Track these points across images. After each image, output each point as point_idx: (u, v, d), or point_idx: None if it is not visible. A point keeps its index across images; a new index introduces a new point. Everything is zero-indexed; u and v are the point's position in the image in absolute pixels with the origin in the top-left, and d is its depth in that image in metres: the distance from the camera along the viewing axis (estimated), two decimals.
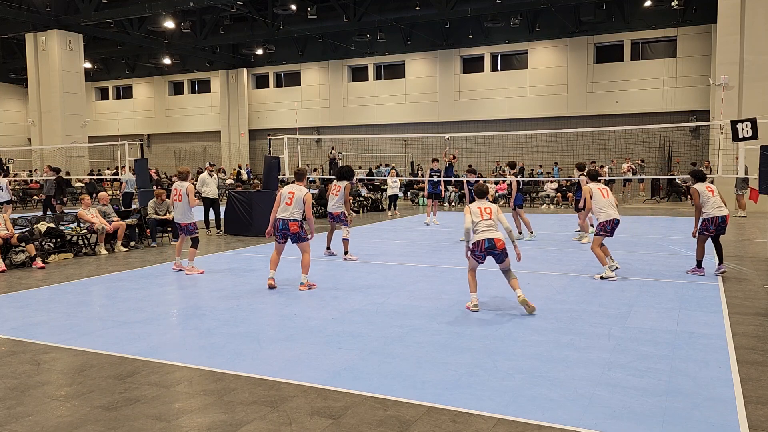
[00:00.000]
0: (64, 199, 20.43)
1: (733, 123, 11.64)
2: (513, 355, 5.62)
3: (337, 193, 11.46)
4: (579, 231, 13.94)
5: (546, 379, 5.00)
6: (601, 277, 9.20)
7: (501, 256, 7.27)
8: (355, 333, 6.40)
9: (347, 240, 11.35)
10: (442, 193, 17.22)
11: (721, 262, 9.47)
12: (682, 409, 4.41)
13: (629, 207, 22.66)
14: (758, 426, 4.16)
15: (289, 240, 8.76)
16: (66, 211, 17.19)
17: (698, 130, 28.62)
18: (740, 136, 11.42)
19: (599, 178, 9.95)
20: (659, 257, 11.10)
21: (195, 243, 10.21)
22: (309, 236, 8.95)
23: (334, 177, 14.12)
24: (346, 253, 11.33)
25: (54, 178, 19.37)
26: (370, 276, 9.59)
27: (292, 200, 8.69)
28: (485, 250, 7.24)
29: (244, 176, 32.97)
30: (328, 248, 11.84)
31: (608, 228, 9.17)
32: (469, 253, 7.41)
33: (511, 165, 14.55)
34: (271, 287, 8.64)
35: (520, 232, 13.69)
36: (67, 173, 29.17)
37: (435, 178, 16.57)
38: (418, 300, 7.88)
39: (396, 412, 4.41)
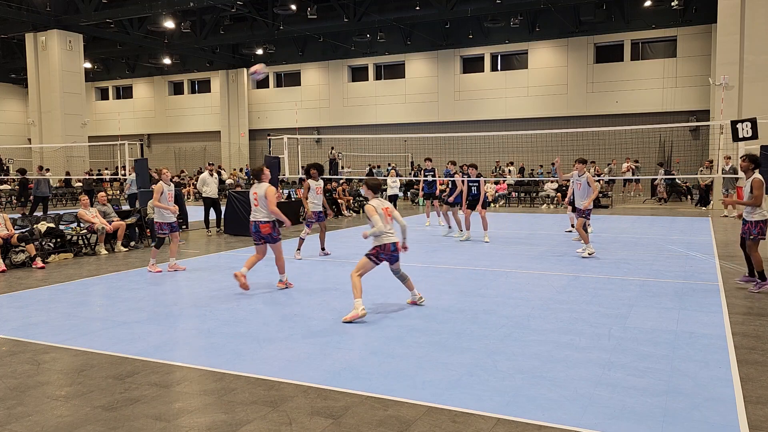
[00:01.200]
0: (23, 200, 20.18)
1: (733, 123, 11.64)
2: (513, 355, 5.62)
3: (319, 192, 11.66)
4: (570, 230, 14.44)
5: (546, 379, 5.00)
6: (589, 254, 11.06)
7: (398, 257, 7.37)
8: (355, 333, 6.40)
9: (302, 239, 11.54)
10: (437, 192, 17.07)
11: (752, 274, 8.49)
12: (682, 409, 4.41)
13: (629, 207, 22.67)
14: (758, 426, 4.16)
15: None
16: (62, 212, 17.15)
17: (698, 130, 28.62)
18: (740, 136, 11.42)
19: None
20: (659, 257, 11.10)
21: (158, 244, 10.37)
22: (279, 236, 8.83)
23: (333, 177, 14.14)
24: (298, 250, 11.53)
25: (43, 178, 19.31)
26: (370, 276, 9.57)
27: (257, 200, 8.68)
28: (390, 254, 7.27)
29: (243, 179, 33.04)
30: (323, 248, 11.87)
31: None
32: (372, 256, 7.26)
33: (474, 166, 14.30)
34: (244, 287, 8.37)
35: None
36: (67, 173, 29.21)
37: (429, 178, 16.43)
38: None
39: (396, 412, 4.41)
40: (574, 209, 13.88)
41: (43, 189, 19.60)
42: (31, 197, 20.03)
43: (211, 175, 15.85)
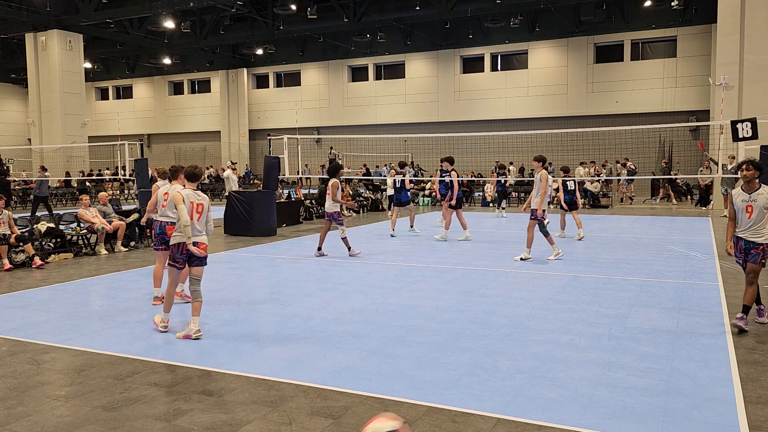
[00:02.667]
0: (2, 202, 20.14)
1: (733, 123, 11.64)
2: (513, 355, 5.62)
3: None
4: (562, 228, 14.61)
5: (546, 379, 5.00)
6: (521, 258, 10.76)
7: (203, 261, 6.45)
8: (355, 333, 6.40)
9: (345, 238, 11.40)
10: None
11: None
12: (682, 409, 4.41)
13: (629, 207, 22.67)
14: (758, 426, 4.16)
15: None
16: (62, 212, 17.15)
17: (698, 130, 28.63)
18: (740, 136, 11.42)
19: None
20: (659, 257, 11.10)
21: None
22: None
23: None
24: (349, 249, 11.46)
25: (45, 178, 19.35)
26: (370, 276, 9.59)
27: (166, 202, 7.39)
28: (186, 253, 6.43)
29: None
30: (319, 249, 11.73)
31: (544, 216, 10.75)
32: (170, 260, 6.54)
33: (450, 160, 14.28)
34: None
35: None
36: (67, 173, 29.20)
37: (447, 179, 16.15)
38: (418, 300, 7.88)
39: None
40: (561, 208, 14.35)
41: (44, 190, 19.64)
42: (31, 197, 20.05)
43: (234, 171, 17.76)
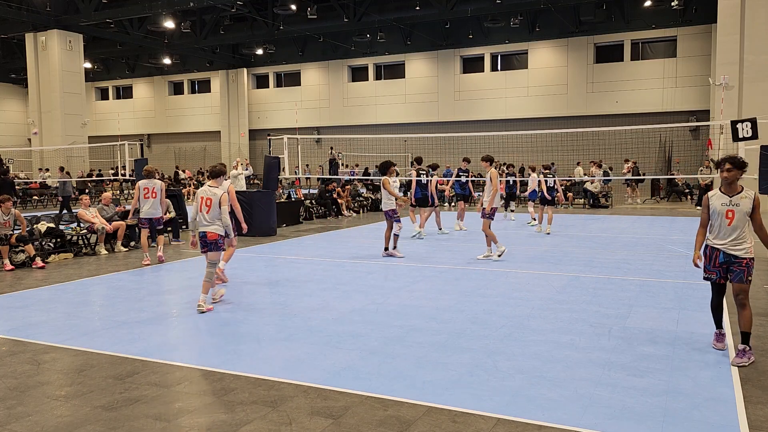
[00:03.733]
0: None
1: (733, 123, 11.64)
2: (513, 355, 5.62)
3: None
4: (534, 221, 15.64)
5: (546, 379, 5.00)
6: (485, 257, 10.82)
7: (211, 247, 7.42)
8: (355, 333, 6.39)
9: (397, 236, 11.36)
10: (472, 193, 16.19)
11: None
12: (682, 409, 4.41)
13: (629, 207, 22.66)
14: (758, 426, 4.15)
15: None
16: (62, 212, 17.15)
17: (698, 130, 28.63)
18: (740, 136, 11.41)
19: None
20: (659, 257, 11.10)
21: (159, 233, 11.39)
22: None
23: (333, 177, 13.99)
24: (392, 248, 11.33)
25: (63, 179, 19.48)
26: (370, 276, 9.59)
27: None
28: (202, 239, 7.50)
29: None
30: (386, 249, 11.46)
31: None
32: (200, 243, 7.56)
33: (418, 160, 14.66)
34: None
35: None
36: (67, 173, 29.18)
37: (463, 179, 15.69)
38: (418, 300, 7.88)
39: (396, 412, 4.41)
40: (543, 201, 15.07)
41: (68, 189, 20.09)
42: (60, 198, 20.95)
43: (246, 169, 18.03)
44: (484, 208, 10.97)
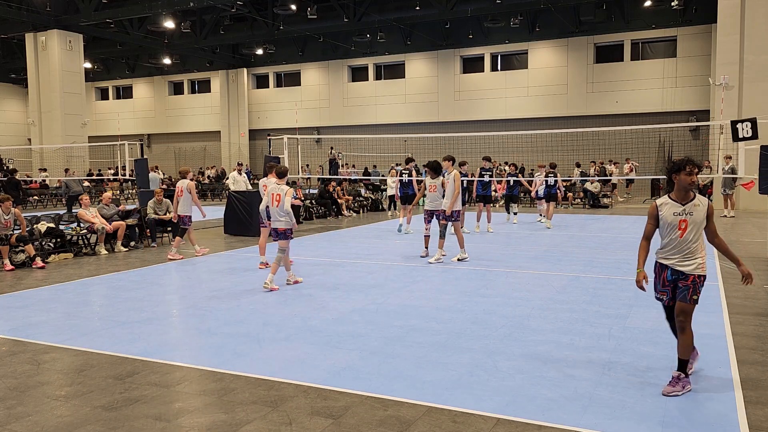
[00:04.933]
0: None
1: (733, 123, 11.64)
2: (513, 355, 5.62)
3: (434, 190, 10.96)
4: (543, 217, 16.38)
5: (546, 379, 5.01)
6: (458, 259, 10.67)
7: (281, 236, 8.68)
8: (355, 333, 6.40)
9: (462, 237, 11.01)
10: (493, 194, 15.66)
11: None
12: (682, 409, 4.41)
13: (630, 207, 22.67)
14: (758, 426, 4.16)
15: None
16: (62, 212, 17.14)
17: (698, 130, 28.63)
18: (740, 136, 11.42)
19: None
20: None
21: (181, 233, 11.76)
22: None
23: (333, 177, 13.92)
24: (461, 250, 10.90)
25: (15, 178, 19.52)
26: (370, 276, 9.59)
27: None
28: (274, 230, 8.74)
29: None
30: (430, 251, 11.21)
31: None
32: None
33: (408, 160, 15.60)
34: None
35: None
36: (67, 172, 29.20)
37: (486, 178, 15.23)
38: (418, 300, 7.88)
39: (396, 412, 4.41)
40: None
41: (77, 188, 20.19)
42: (65, 197, 21.25)
43: (240, 174, 17.46)
44: (444, 212, 10.58)
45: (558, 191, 16.48)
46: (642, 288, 4.92)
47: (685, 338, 4.80)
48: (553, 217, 16.34)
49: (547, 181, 16.08)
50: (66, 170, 23.89)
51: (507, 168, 29.41)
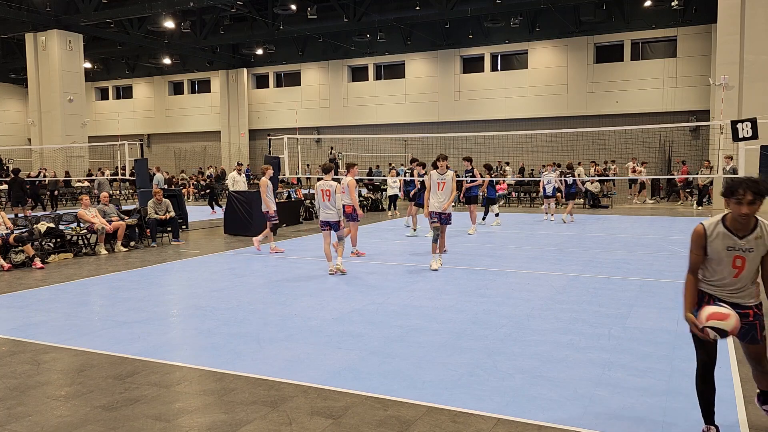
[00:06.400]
0: (28, 201, 20.11)
1: (733, 123, 11.63)
2: (513, 355, 5.62)
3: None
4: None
5: (546, 379, 5.00)
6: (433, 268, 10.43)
7: (333, 226, 9.71)
8: (355, 333, 6.39)
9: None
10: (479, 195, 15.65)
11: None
12: (682, 409, 4.41)
13: (628, 207, 22.66)
14: (758, 426, 4.15)
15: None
16: (62, 212, 17.15)
17: (698, 130, 28.64)
18: (740, 136, 11.41)
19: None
20: (659, 257, 11.10)
21: (273, 229, 12.45)
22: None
23: (333, 178, 13.75)
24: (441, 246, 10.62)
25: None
26: (370, 276, 9.59)
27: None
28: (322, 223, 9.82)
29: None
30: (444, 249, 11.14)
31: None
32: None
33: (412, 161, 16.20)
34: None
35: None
36: (66, 173, 29.19)
37: (468, 179, 15.05)
38: (418, 300, 7.88)
39: (396, 412, 4.41)
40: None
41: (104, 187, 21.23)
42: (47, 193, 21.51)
43: (240, 174, 17.40)
44: (441, 214, 10.26)
45: (577, 189, 18.18)
46: (706, 336, 3.64)
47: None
48: (554, 212, 17.76)
49: (566, 181, 17.45)
50: (99, 170, 24.41)
51: (507, 168, 29.49)
